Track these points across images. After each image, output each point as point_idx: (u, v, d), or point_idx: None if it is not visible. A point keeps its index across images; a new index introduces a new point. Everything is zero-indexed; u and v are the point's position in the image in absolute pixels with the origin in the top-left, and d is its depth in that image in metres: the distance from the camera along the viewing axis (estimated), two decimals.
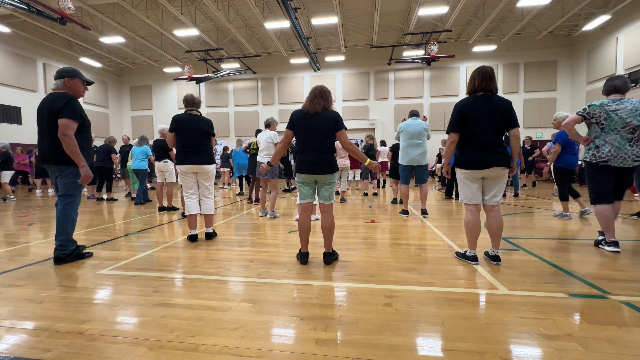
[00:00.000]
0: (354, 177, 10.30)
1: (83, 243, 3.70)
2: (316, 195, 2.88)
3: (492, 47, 16.20)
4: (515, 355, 1.46)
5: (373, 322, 1.77)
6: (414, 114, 5.24)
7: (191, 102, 3.70)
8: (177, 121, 3.52)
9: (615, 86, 3.06)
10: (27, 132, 14.71)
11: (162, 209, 6.13)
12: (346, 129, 2.75)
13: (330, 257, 2.80)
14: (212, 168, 3.71)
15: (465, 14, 13.90)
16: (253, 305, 1.99)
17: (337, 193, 8.77)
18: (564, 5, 12.86)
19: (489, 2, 12.80)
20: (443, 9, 12.41)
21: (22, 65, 14.76)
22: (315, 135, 2.67)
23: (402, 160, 5.19)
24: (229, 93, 19.63)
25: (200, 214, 3.78)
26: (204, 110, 19.90)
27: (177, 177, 5.06)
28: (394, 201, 6.87)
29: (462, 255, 2.87)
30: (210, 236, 3.78)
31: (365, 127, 17.68)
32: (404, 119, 5.42)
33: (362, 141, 17.14)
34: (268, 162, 3.02)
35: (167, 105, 20.12)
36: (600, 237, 3.25)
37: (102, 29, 14.56)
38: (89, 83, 3.08)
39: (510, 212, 5.38)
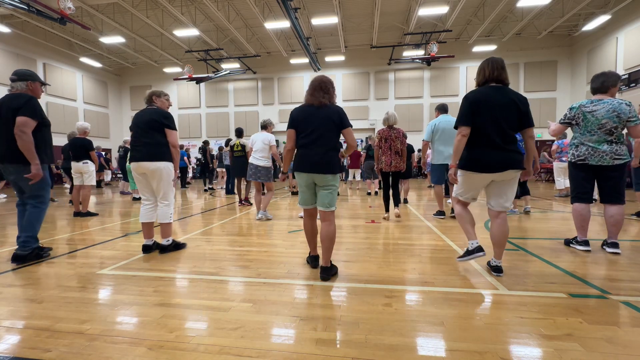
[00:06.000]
0: (354, 177, 10.34)
1: (82, 243, 3.70)
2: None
3: (492, 47, 16.21)
4: (515, 355, 1.46)
5: (373, 322, 1.77)
6: (446, 109, 4.94)
7: (145, 99, 3.24)
8: (133, 118, 3.16)
9: (592, 89, 3.08)
10: None
11: (77, 214, 5.57)
12: (351, 126, 2.52)
13: (329, 272, 2.43)
14: (159, 166, 2.99)
15: (465, 14, 13.90)
16: (253, 305, 1.99)
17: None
18: (564, 5, 12.86)
19: (489, 2, 12.80)
20: (443, 9, 12.42)
21: (22, 65, 14.72)
22: (317, 130, 2.43)
23: (435, 159, 4.90)
24: (229, 93, 19.62)
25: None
26: (204, 110, 19.92)
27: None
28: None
29: (466, 254, 2.61)
30: (164, 249, 3.15)
31: (365, 127, 17.68)
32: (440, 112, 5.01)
33: (362, 141, 17.19)
34: (282, 172, 2.81)
35: None
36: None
37: (102, 29, 14.56)
38: (45, 84, 3.22)
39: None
